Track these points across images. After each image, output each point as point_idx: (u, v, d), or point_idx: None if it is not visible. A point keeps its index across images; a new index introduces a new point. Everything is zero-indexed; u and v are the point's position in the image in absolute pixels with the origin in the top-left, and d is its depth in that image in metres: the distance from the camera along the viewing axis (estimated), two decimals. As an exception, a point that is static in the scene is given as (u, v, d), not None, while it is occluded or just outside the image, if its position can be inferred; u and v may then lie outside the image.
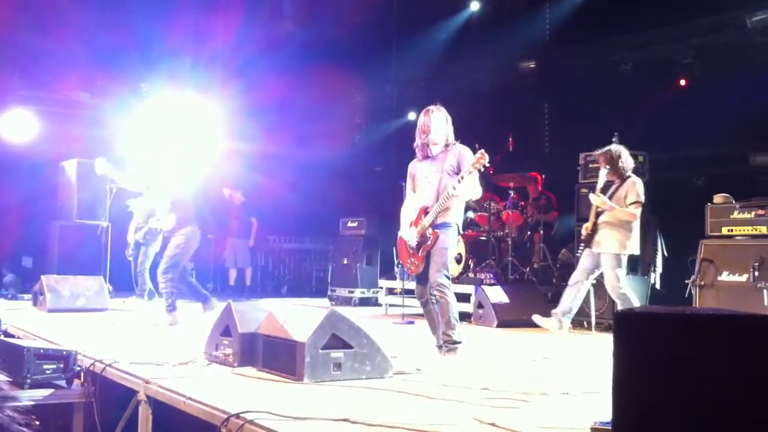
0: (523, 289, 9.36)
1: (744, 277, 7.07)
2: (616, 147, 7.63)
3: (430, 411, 3.88)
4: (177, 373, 4.85)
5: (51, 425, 5.57)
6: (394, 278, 10.77)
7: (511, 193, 10.31)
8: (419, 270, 5.95)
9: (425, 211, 5.90)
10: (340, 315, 4.78)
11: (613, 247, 7.33)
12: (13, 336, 6.96)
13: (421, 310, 6.26)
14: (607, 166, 7.50)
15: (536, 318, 7.81)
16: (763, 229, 7.15)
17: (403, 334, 8.04)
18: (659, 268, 8.74)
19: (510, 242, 9.91)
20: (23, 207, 12.62)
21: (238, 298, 9.93)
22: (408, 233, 6.01)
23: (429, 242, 5.83)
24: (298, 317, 4.93)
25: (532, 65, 12.91)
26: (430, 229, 5.84)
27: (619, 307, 7.43)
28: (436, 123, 5.95)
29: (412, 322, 9.00)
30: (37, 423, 5.68)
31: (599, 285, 8.54)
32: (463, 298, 8.68)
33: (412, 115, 14.29)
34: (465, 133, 6.20)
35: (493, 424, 3.51)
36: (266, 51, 13.63)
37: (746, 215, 7.27)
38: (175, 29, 13.17)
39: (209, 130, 13.22)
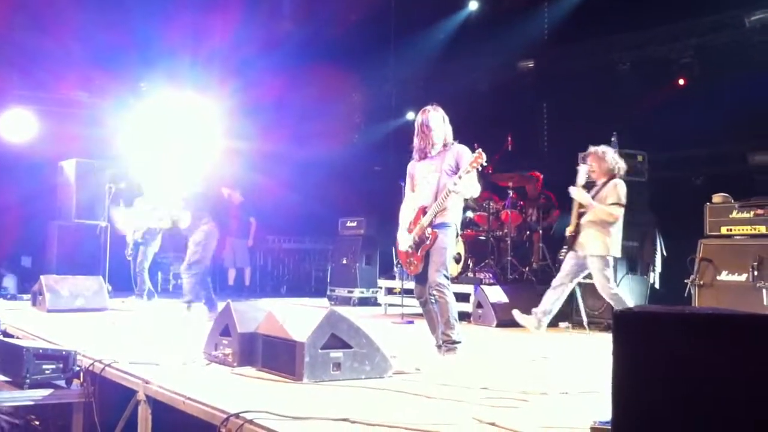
0: (522, 288, 9.36)
1: (743, 277, 7.08)
2: (604, 147, 7.61)
3: (429, 411, 3.88)
4: (176, 373, 4.85)
5: (50, 425, 5.58)
6: (394, 278, 10.77)
7: (510, 192, 10.31)
8: (418, 270, 5.96)
9: (424, 211, 5.91)
10: (340, 315, 4.78)
11: (598, 249, 7.29)
12: (12, 336, 6.96)
13: (420, 310, 6.26)
14: (593, 164, 7.50)
15: (516, 314, 7.79)
16: (762, 229, 7.16)
17: (403, 334, 8.04)
18: (658, 268, 8.74)
19: (509, 242, 9.91)
20: (22, 207, 12.62)
21: (238, 297, 9.92)
22: (402, 238, 6.02)
23: (428, 242, 5.83)
24: (297, 317, 4.93)
25: (531, 65, 12.91)
26: (429, 229, 5.84)
27: (615, 308, 7.44)
28: (433, 123, 5.95)
29: (411, 322, 9.01)
30: (37, 423, 5.69)
31: (595, 287, 8.55)
32: (462, 297, 8.69)
33: (410, 115, 14.28)
34: (464, 133, 6.19)
35: (492, 424, 3.51)
36: (265, 50, 13.64)
37: (745, 215, 7.27)
38: (174, 28, 13.17)
39: (208, 129, 13.21)
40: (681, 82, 10.72)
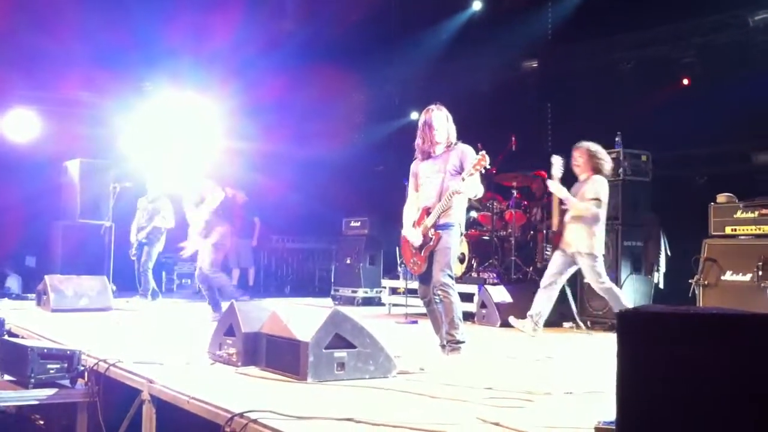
0: (526, 288, 9.34)
1: (747, 277, 7.06)
2: (596, 145, 7.62)
3: (433, 410, 3.88)
4: (181, 373, 4.86)
5: (55, 425, 5.59)
6: (397, 278, 10.79)
7: (514, 192, 10.30)
8: (422, 270, 5.96)
9: (427, 212, 5.90)
10: (344, 314, 4.79)
11: (585, 246, 7.31)
12: (17, 336, 6.97)
13: (424, 310, 6.26)
14: (579, 158, 7.51)
15: (512, 320, 7.82)
16: (766, 229, 7.13)
17: (407, 334, 8.04)
18: (663, 268, 8.73)
19: (513, 242, 9.90)
20: (26, 207, 12.64)
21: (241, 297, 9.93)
22: (411, 233, 6.01)
23: (431, 242, 5.83)
24: (301, 317, 4.93)
25: (535, 64, 12.90)
26: (432, 230, 5.84)
27: (611, 303, 7.47)
28: (437, 122, 5.95)
29: (415, 322, 9.01)
30: (41, 422, 5.70)
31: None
32: (466, 297, 8.68)
33: (413, 115, 14.27)
34: (467, 133, 6.19)
35: (496, 424, 3.51)
36: (266, 50, 13.65)
37: (750, 215, 7.26)
38: (176, 28, 13.18)
39: (210, 128, 13.23)
40: (685, 81, 10.71)
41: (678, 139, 9.92)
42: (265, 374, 4.88)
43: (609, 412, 2.65)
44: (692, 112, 9.66)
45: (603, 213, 7.37)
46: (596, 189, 7.34)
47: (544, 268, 10.15)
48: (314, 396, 4.19)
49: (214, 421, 3.78)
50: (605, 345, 6.98)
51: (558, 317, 8.76)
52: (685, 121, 9.70)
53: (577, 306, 8.48)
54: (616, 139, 8.82)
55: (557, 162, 7.48)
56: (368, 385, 4.52)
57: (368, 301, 11.91)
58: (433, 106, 6.03)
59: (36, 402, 5.11)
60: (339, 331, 4.69)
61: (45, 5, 12.93)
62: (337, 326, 4.69)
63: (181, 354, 5.59)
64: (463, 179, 5.68)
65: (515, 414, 3.75)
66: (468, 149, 5.91)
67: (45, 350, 5.14)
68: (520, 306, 8.50)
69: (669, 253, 8.76)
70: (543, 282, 7.63)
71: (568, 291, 7.96)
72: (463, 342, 5.82)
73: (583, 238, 7.31)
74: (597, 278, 7.30)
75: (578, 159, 7.52)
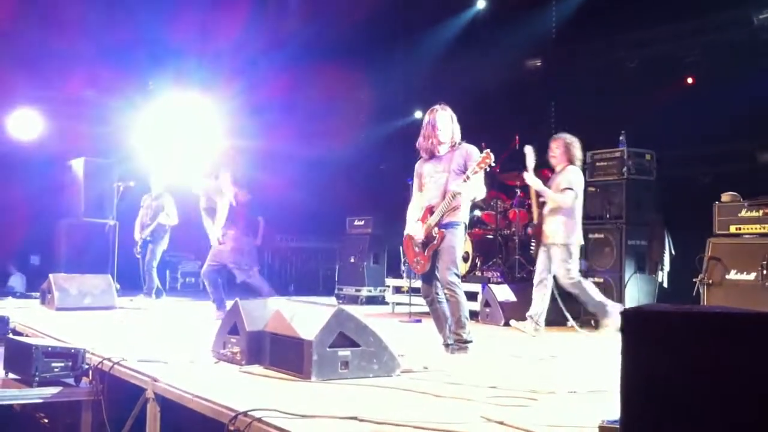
0: (530, 287, 9.30)
1: (752, 276, 7.05)
2: (571, 136, 7.71)
3: (437, 409, 3.88)
4: (185, 371, 4.86)
5: (59, 423, 5.60)
6: (401, 277, 10.79)
7: (518, 191, 10.29)
8: (425, 269, 5.96)
9: (431, 210, 5.91)
10: (348, 313, 4.79)
11: (561, 237, 7.42)
12: (21, 334, 6.99)
13: (427, 309, 6.27)
14: (556, 150, 7.57)
15: (513, 323, 7.86)
16: (771, 228, 7.13)
17: (410, 333, 8.04)
18: (667, 267, 8.72)
19: (517, 240, 9.89)
20: (30, 205, 12.67)
21: (245, 296, 9.93)
22: (414, 227, 6.02)
23: (435, 241, 5.83)
24: (305, 315, 4.93)
25: (539, 63, 12.88)
26: (436, 229, 5.84)
27: (581, 298, 7.52)
28: (441, 122, 5.95)
29: (419, 321, 9.01)
30: (46, 421, 5.71)
31: (603, 285, 8.54)
32: (470, 296, 8.65)
33: (417, 114, 14.26)
34: (470, 132, 6.19)
35: (500, 423, 3.51)
36: (271, 49, 13.66)
37: (754, 213, 7.25)
38: (181, 27, 13.20)
39: (214, 127, 13.24)
40: (689, 80, 10.68)
41: (682, 138, 9.89)
42: (268, 373, 4.88)
43: (613, 411, 2.65)
44: (696, 111, 9.63)
45: (579, 203, 7.51)
46: (569, 178, 7.48)
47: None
48: (318, 395, 4.20)
49: (218, 420, 3.78)
50: (609, 344, 6.97)
51: (562, 317, 8.75)
52: (689, 119, 9.67)
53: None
54: (620, 137, 8.81)
55: (530, 152, 7.54)
56: (372, 384, 4.52)
57: (372, 300, 11.92)
58: (437, 107, 6.04)
59: (40, 400, 5.12)
60: (343, 330, 4.69)
61: (49, 4, 12.97)
62: (341, 325, 4.69)
63: (185, 352, 5.60)
64: (468, 177, 5.68)
65: (519, 413, 3.75)
66: (472, 149, 5.92)
67: (49, 349, 5.15)
68: (524, 305, 8.50)
69: (673, 252, 8.75)
70: (535, 280, 7.75)
71: (555, 290, 7.98)
72: (470, 341, 5.83)
73: (560, 230, 7.45)
74: (566, 273, 7.43)
75: (555, 150, 7.64)
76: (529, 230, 8.04)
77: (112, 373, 5.05)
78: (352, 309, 5.09)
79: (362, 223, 12.44)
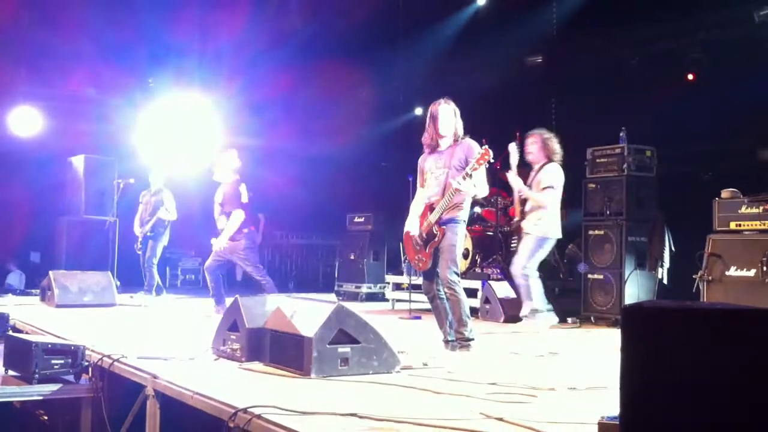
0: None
1: (752, 272, 7.04)
2: (547, 132, 7.89)
3: (437, 406, 3.88)
4: (185, 368, 4.87)
5: (59, 420, 5.60)
6: (401, 273, 10.79)
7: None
8: (427, 266, 5.95)
9: (431, 207, 5.90)
10: (348, 310, 4.79)
11: (538, 231, 7.57)
12: (21, 331, 6.99)
13: (427, 305, 6.27)
14: (533, 146, 7.62)
15: (526, 321, 7.90)
16: (771, 224, 7.11)
17: (410, 329, 8.04)
18: (667, 263, 8.71)
19: (517, 238, 9.89)
20: (31, 202, 12.68)
21: (246, 293, 9.94)
22: (413, 224, 6.02)
23: (436, 239, 5.83)
24: (305, 312, 4.93)
25: (539, 60, 12.86)
26: (436, 226, 5.83)
27: (519, 290, 7.59)
28: (443, 116, 5.93)
29: (419, 317, 9.01)
30: (46, 418, 5.72)
31: (603, 282, 8.54)
32: (470, 293, 8.66)
33: (418, 111, 14.27)
34: (471, 129, 6.18)
35: (500, 419, 3.51)
36: (272, 46, 13.64)
37: (754, 210, 7.23)
38: (181, 24, 13.20)
39: (215, 125, 13.24)
40: (690, 77, 10.67)
41: (683, 135, 9.88)
42: (268, 369, 4.88)
43: (613, 408, 2.65)
44: (697, 108, 9.62)
45: (558, 197, 7.64)
46: (549, 177, 7.62)
47: (547, 264, 10.18)
48: (318, 391, 4.20)
49: (218, 417, 3.79)
50: (609, 340, 6.97)
51: (561, 314, 8.76)
52: (690, 116, 9.66)
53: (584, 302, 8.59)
54: (621, 134, 8.80)
55: (514, 151, 7.57)
56: (372, 381, 4.52)
57: (372, 297, 11.92)
58: (441, 100, 6.03)
59: (40, 397, 5.12)
60: (343, 327, 4.69)
61: (50, 2, 12.95)
62: (341, 322, 4.69)
63: (185, 349, 5.60)
64: (467, 174, 5.67)
65: (519, 409, 3.75)
66: (474, 145, 5.90)
67: (49, 346, 5.16)
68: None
69: (673, 249, 8.74)
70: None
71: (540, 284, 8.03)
72: (472, 339, 5.83)
73: (539, 225, 7.61)
74: (524, 261, 7.57)
75: (531, 146, 7.74)
76: (511, 227, 8.10)
77: (112, 370, 5.06)
78: (352, 306, 5.10)
79: (362, 220, 12.44)
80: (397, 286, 10.92)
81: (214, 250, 8.70)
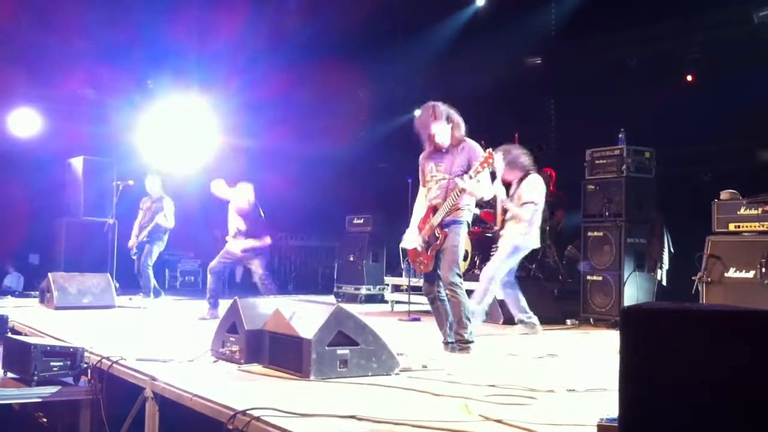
0: (529, 285, 9.32)
1: (751, 274, 7.03)
2: (511, 145, 7.81)
3: (436, 408, 3.88)
4: (184, 370, 4.86)
5: (58, 422, 5.60)
6: (401, 275, 10.78)
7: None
8: (429, 269, 5.96)
9: (434, 210, 5.90)
10: (347, 312, 4.79)
11: (514, 239, 7.51)
12: (20, 333, 6.98)
13: (426, 307, 6.27)
14: (501, 163, 7.59)
15: (519, 329, 7.86)
16: (770, 225, 7.11)
17: (409, 331, 8.04)
18: (666, 265, 8.71)
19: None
20: (30, 204, 12.67)
21: (245, 295, 9.93)
22: (411, 240, 6.03)
23: (438, 241, 5.83)
24: (304, 314, 4.93)
25: (538, 61, 12.86)
26: (438, 229, 5.83)
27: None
28: (438, 131, 5.90)
29: (418, 319, 9.01)
30: (45, 420, 5.71)
31: (602, 283, 8.54)
32: (469, 294, 8.64)
33: (417, 112, 14.23)
34: (470, 130, 6.17)
35: (499, 421, 3.51)
36: (270, 47, 13.63)
37: (753, 211, 7.23)
38: (180, 25, 13.19)
39: (213, 125, 13.24)
40: (689, 78, 10.67)
41: (682, 136, 9.88)
42: (267, 372, 4.88)
43: (612, 410, 2.65)
44: (697, 109, 9.63)
45: (539, 210, 7.61)
46: (529, 192, 7.54)
47: (547, 264, 10.19)
48: (317, 393, 4.20)
49: (217, 419, 3.78)
50: (608, 342, 6.97)
51: (560, 315, 8.77)
52: (689, 117, 9.66)
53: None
54: (620, 135, 8.80)
55: (499, 160, 7.51)
56: (371, 383, 4.52)
57: (371, 299, 11.91)
58: (430, 102, 6.00)
59: (39, 399, 5.12)
60: (342, 329, 4.69)
61: (48, 3, 12.95)
62: (340, 323, 4.69)
63: (184, 351, 5.59)
64: (471, 177, 5.67)
65: (518, 411, 3.75)
66: (476, 147, 5.89)
67: (48, 348, 5.15)
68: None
69: (672, 250, 8.74)
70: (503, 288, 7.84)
71: (519, 290, 8.01)
72: (472, 342, 5.83)
73: (515, 234, 7.53)
74: (493, 267, 7.55)
75: (499, 163, 7.45)
76: (493, 234, 8.10)
77: (111, 372, 5.05)
78: (351, 307, 5.10)
79: (362, 221, 12.43)
80: (396, 288, 10.91)
81: (229, 251, 8.83)
